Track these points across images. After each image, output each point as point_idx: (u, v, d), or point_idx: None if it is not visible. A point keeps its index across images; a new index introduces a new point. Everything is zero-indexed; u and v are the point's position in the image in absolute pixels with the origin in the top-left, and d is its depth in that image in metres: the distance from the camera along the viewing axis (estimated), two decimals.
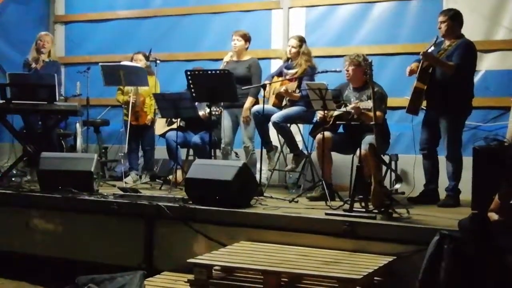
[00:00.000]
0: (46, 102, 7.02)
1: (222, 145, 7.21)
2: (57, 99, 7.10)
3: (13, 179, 7.31)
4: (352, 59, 6.23)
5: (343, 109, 6.15)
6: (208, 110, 6.73)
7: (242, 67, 7.11)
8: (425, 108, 6.19)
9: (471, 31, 6.53)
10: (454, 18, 6.05)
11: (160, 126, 7.72)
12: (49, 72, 7.53)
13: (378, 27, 7.73)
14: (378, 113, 5.69)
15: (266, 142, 6.95)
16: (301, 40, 6.95)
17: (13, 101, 7.04)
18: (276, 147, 7.11)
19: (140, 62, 7.66)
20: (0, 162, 8.67)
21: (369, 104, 5.77)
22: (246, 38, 7.21)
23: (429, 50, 5.96)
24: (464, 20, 6.15)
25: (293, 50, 6.91)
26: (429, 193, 6.19)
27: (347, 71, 6.31)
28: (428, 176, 6.23)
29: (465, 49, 5.97)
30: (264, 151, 6.90)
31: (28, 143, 7.35)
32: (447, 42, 6.10)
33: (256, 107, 6.90)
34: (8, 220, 6.37)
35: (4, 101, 7.08)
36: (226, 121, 7.21)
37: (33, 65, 7.74)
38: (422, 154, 6.24)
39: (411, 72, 6.12)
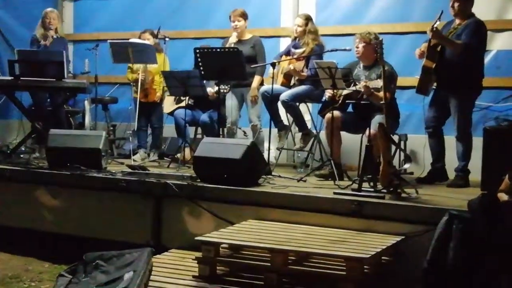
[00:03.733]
0: (54, 79, 7.02)
1: (228, 125, 7.19)
2: (65, 76, 7.08)
3: (21, 155, 7.35)
4: (363, 36, 6.18)
5: (352, 88, 6.10)
6: (216, 88, 6.71)
7: (246, 47, 7.06)
8: (435, 87, 6.14)
9: (483, 10, 6.46)
10: None
11: (169, 104, 7.70)
12: (58, 49, 7.51)
13: (390, 6, 7.65)
14: (387, 93, 5.64)
15: (277, 121, 6.91)
16: (307, 19, 6.88)
17: (21, 78, 7.04)
18: (288, 126, 7.07)
19: (147, 40, 7.63)
20: (9, 139, 8.71)
21: (378, 83, 5.72)
22: (245, 17, 7.17)
23: (435, 25, 5.88)
24: None
25: (299, 29, 6.85)
26: (437, 171, 6.17)
27: (357, 48, 6.25)
28: (434, 155, 6.20)
29: (474, 28, 5.90)
30: (274, 130, 6.87)
31: (37, 120, 7.37)
32: (457, 21, 6.03)
33: (265, 87, 6.87)
34: (17, 196, 6.40)
35: (12, 77, 7.08)
36: (230, 100, 7.18)
37: (42, 42, 7.72)
38: (428, 132, 6.21)
39: (421, 55, 6.05)
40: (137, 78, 7.46)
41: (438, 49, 5.95)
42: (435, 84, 6.10)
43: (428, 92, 6.12)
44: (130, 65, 7.65)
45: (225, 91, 6.76)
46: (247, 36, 7.21)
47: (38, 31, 7.78)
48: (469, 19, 5.97)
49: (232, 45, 7.08)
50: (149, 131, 7.86)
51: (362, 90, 5.95)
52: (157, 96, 7.66)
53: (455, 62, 5.89)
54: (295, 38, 6.96)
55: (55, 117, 7.64)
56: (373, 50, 6.00)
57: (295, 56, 6.84)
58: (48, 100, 7.86)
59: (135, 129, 7.51)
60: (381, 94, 5.53)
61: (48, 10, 7.91)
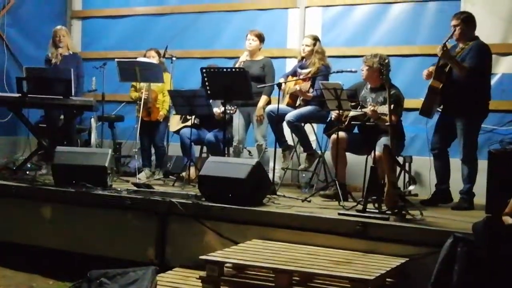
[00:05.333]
0: (62, 97, 7.06)
1: (234, 143, 7.22)
2: (72, 93, 7.13)
3: (27, 172, 7.36)
4: (367, 59, 6.21)
5: (359, 110, 6.12)
6: (222, 108, 6.74)
7: (256, 66, 7.12)
8: (440, 110, 6.15)
9: (488, 33, 6.49)
10: (467, 21, 6.00)
11: (175, 123, 7.73)
12: (70, 65, 7.56)
13: (395, 28, 7.70)
14: (393, 116, 5.66)
15: (281, 141, 6.94)
16: (315, 39, 6.94)
17: (29, 95, 7.09)
18: (292, 146, 7.10)
19: (153, 58, 7.68)
20: (15, 156, 8.73)
21: (386, 109, 5.71)
22: (261, 38, 7.23)
23: (446, 42, 5.90)
24: (481, 23, 6.11)
25: (307, 48, 6.90)
26: (441, 193, 6.16)
27: (362, 70, 6.29)
28: (439, 176, 6.19)
29: (477, 51, 5.91)
30: (279, 149, 6.90)
31: (43, 137, 7.40)
32: (460, 45, 6.05)
33: (270, 107, 6.90)
34: (22, 213, 6.40)
35: (20, 94, 7.12)
36: (237, 120, 7.21)
37: (53, 60, 7.79)
38: (433, 154, 6.20)
39: (429, 76, 6.07)
40: (140, 96, 7.50)
41: (447, 69, 5.96)
42: (440, 106, 6.12)
43: (431, 115, 6.11)
44: (134, 83, 7.69)
45: (231, 112, 6.79)
46: (259, 57, 7.26)
47: (50, 50, 7.86)
48: (473, 42, 5.99)
49: (243, 63, 7.14)
50: (153, 150, 7.88)
51: (370, 114, 5.96)
52: (160, 115, 7.68)
53: (462, 84, 5.89)
54: (302, 58, 7.01)
55: (66, 132, 7.66)
56: (378, 73, 6.03)
57: (301, 77, 6.87)
58: (62, 117, 7.88)
59: (137, 148, 7.53)
60: (388, 117, 5.55)
61: (57, 28, 7.99)
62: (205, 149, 7.65)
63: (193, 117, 7.20)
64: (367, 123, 6.08)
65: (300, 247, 5.04)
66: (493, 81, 6.77)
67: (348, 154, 6.33)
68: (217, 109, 7.06)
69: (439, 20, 7.32)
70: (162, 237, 5.73)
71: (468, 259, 4.26)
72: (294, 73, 7.09)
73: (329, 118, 6.56)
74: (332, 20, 8.08)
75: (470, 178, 5.97)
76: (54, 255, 6.15)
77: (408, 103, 6.54)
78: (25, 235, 6.34)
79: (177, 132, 7.62)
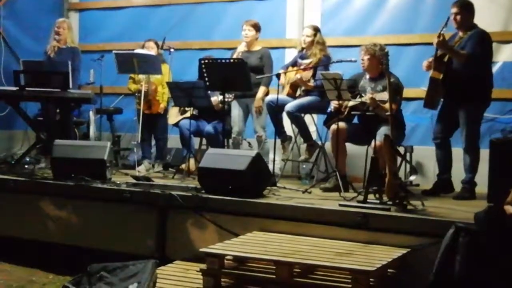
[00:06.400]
0: (59, 90, 7.02)
1: (233, 135, 7.18)
2: (70, 86, 7.09)
3: (26, 166, 7.34)
4: (368, 48, 6.16)
5: (358, 99, 6.09)
6: (220, 97, 6.70)
7: (254, 57, 7.08)
8: (443, 99, 6.11)
9: (489, 21, 6.45)
10: (467, 9, 5.98)
11: (173, 115, 7.70)
12: (66, 59, 7.51)
13: (395, 17, 7.65)
14: (392, 105, 5.62)
15: (280, 132, 6.91)
16: (316, 30, 6.90)
17: (26, 88, 7.05)
18: (290, 137, 7.06)
19: (151, 49, 7.63)
20: (14, 149, 8.70)
21: (384, 96, 5.69)
22: (257, 28, 7.18)
23: (442, 32, 5.86)
24: (482, 11, 6.08)
25: (307, 39, 6.85)
26: (442, 183, 6.13)
27: (362, 60, 6.24)
28: (441, 166, 6.16)
29: (477, 38, 5.88)
30: (278, 140, 6.86)
31: (41, 131, 7.37)
32: (460, 33, 6.01)
33: (270, 97, 6.86)
34: (21, 207, 6.38)
35: (17, 88, 7.08)
36: (236, 111, 7.18)
37: (48, 53, 7.74)
38: (435, 143, 6.17)
39: (428, 67, 6.02)
40: (139, 88, 7.46)
41: (445, 59, 5.92)
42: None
43: (436, 106, 6.07)
44: (132, 75, 7.65)
45: (229, 99, 6.75)
46: (257, 47, 7.21)
47: (50, 42, 7.81)
48: (472, 30, 5.95)
49: (240, 54, 7.09)
50: (153, 142, 7.84)
51: (368, 102, 5.93)
52: (161, 108, 7.64)
53: (462, 73, 5.85)
54: (302, 49, 6.96)
55: (64, 125, 7.63)
56: (379, 62, 6.00)
57: (302, 67, 6.83)
58: (58, 110, 7.85)
59: (139, 141, 7.50)
60: (387, 106, 5.51)
61: (59, 20, 7.97)
62: (204, 141, 7.62)
63: (192, 108, 7.16)
64: (366, 113, 6.04)
65: (301, 238, 5.01)
66: (494, 69, 6.72)
67: (348, 144, 6.29)
68: (215, 98, 7.01)
69: (439, 7, 7.26)
70: (162, 230, 5.71)
71: (470, 249, 4.23)
72: (294, 64, 7.05)
73: (329, 110, 6.51)
74: (332, 10, 8.03)
75: (472, 167, 5.94)
76: (53, 249, 6.13)
77: (408, 92, 6.51)
78: (24, 229, 6.32)
79: (176, 124, 7.58)
